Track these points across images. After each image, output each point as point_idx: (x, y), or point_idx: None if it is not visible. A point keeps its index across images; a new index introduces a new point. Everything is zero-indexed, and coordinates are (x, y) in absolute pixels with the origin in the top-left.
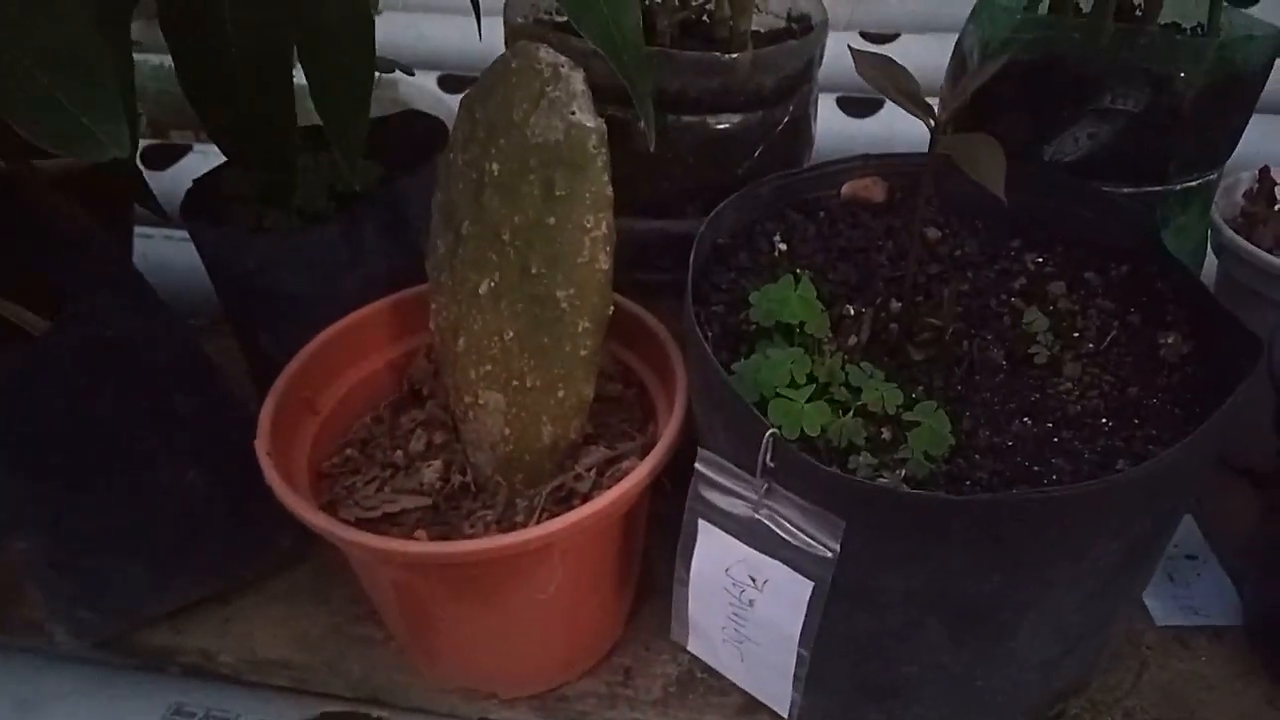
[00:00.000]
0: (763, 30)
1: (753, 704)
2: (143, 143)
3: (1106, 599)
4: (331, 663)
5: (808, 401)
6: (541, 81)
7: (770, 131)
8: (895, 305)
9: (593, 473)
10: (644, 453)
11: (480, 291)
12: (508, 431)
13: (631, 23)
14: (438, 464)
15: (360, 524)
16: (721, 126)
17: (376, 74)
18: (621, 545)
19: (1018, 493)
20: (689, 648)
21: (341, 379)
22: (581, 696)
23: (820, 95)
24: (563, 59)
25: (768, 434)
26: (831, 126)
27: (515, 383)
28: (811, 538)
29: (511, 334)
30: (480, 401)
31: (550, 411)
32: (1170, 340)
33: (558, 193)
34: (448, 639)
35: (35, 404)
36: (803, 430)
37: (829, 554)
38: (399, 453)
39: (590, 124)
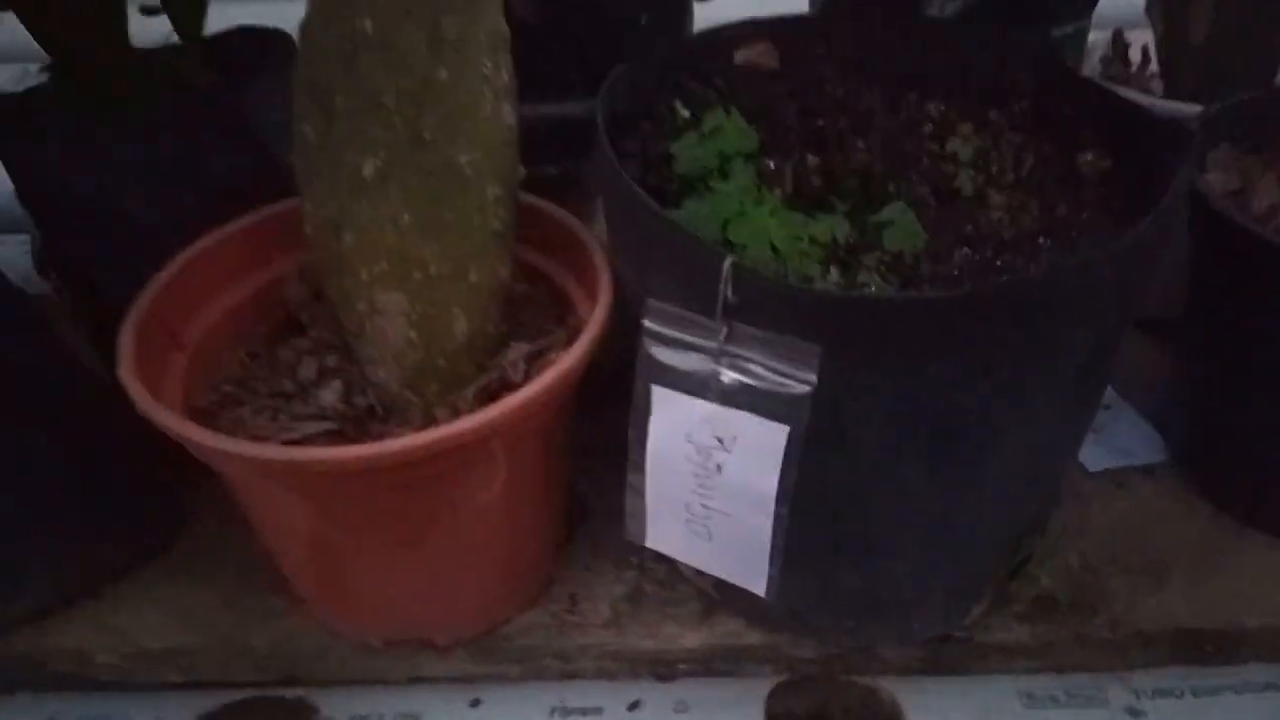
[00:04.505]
0: None
1: (711, 609)
2: None
3: (1066, 421)
4: (230, 641)
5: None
6: None
7: None
8: (811, 159)
9: (521, 366)
10: (570, 342)
11: (365, 174)
12: (413, 335)
13: None
14: (337, 384)
15: None
16: None
17: None
18: (555, 448)
19: (999, 281)
20: (648, 543)
21: (206, 309)
22: (525, 631)
23: None
24: None
25: (727, 263)
26: None
27: (417, 274)
28: (784, 375)
29: (407, 218)
30: (377, 306)
31: (462, 300)
32: (1089, 157)
33: (447, 38)
34: (373, 579)
35: None
36: (772, 245)
37: (806, 388)
38: (287, 381)
39: None
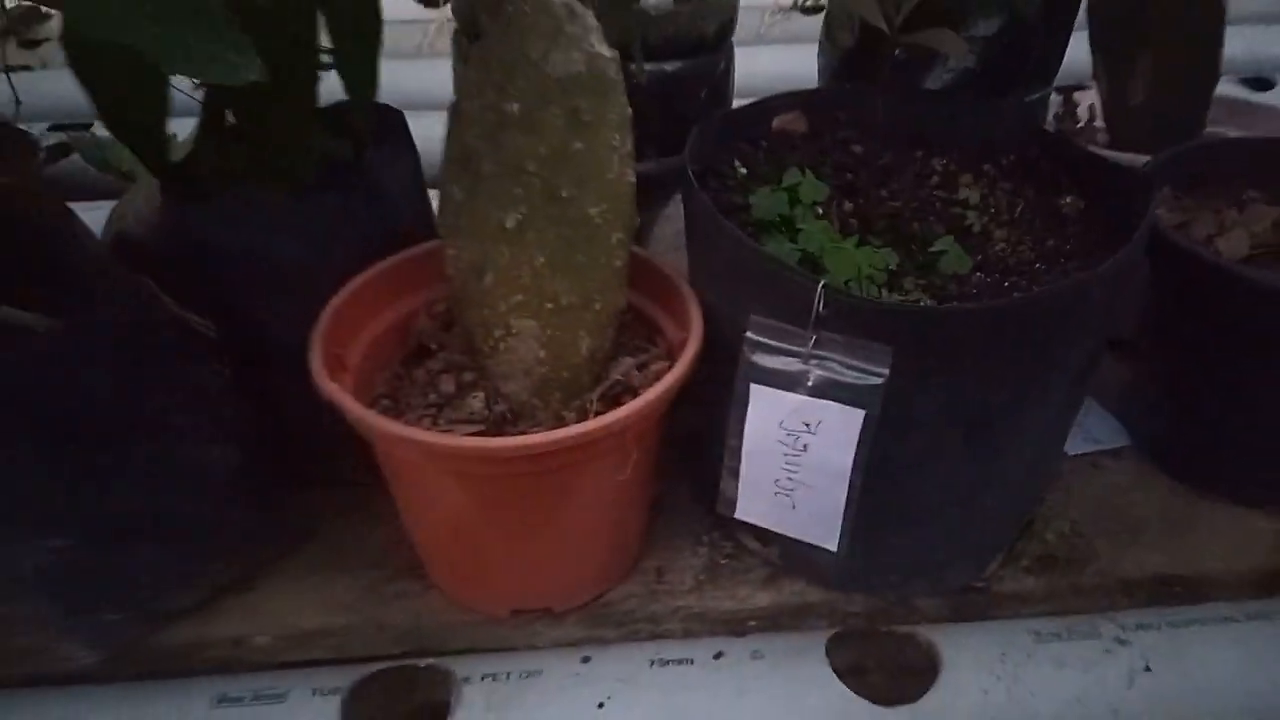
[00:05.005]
0: None
1: (774, 575)
2: None
3: (1063, 414)
4: (377, 620)
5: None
6: (557, 21)
7: (712, 75)
8: (847, 205)
9: (635, 375)
10: (669, 356)
11: (507, 225)
12: (543, 353)
13: None
14: (480, 393)
15: None
16: (673, 68)
17: None
18: (658, 443)
19: (1013, 297)
20: (738, 515)
21: (359, 339)
22: (623, 599)
23: None
24: None
25: (820, 285)
26: None
27: (549, 305)
28: (862, 370)
29: (542, 259)
30: (513, 331)
31: (587, 325)
32: (1069, 200)
33: (584, 119)
34: (509, 556)
35: (61, 393)
36: (859, 269)
37: (879, 379)
38: (433, 394)
39: (608, 54)
